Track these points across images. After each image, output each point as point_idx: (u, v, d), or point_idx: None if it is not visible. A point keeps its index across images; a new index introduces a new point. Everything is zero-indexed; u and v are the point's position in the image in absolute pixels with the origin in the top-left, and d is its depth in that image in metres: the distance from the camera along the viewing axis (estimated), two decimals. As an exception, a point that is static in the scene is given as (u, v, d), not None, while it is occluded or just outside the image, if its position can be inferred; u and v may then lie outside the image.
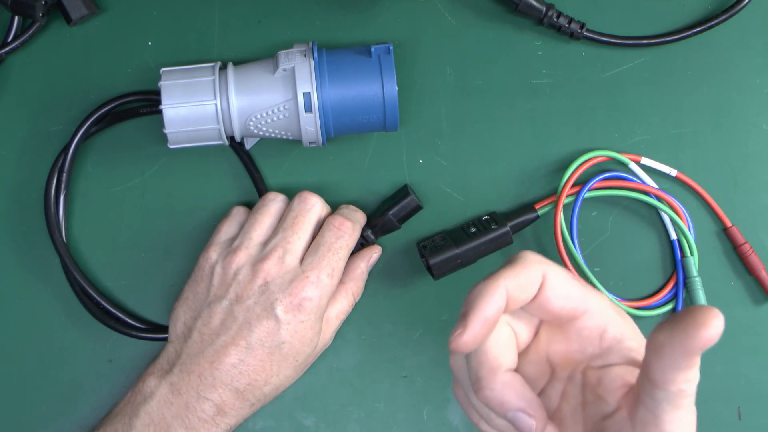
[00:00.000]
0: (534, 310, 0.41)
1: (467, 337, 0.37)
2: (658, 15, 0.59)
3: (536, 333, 0.43)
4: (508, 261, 0.40)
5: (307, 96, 0.51)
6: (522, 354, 0.42)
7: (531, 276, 0.39)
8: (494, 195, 0.58)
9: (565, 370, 0.42)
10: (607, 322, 0.40)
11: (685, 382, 0.35)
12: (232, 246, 0.53)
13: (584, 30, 0.57)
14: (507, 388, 0.39)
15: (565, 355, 0.41)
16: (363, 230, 0.55)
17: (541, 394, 0.42)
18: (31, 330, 0.57)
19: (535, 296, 0.40)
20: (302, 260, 0.52)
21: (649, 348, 0.35)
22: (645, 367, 0.36)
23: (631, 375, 0.39)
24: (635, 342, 0.41)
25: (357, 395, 0.57)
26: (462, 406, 0.44)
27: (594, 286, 0.56)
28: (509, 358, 0.40)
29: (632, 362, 0.40)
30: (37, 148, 0.57)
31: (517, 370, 0.41)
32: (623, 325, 0.41)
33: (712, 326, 0.32)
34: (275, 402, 0.55)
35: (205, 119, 0.52)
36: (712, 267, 0.58)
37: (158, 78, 0.53)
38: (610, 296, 0.57)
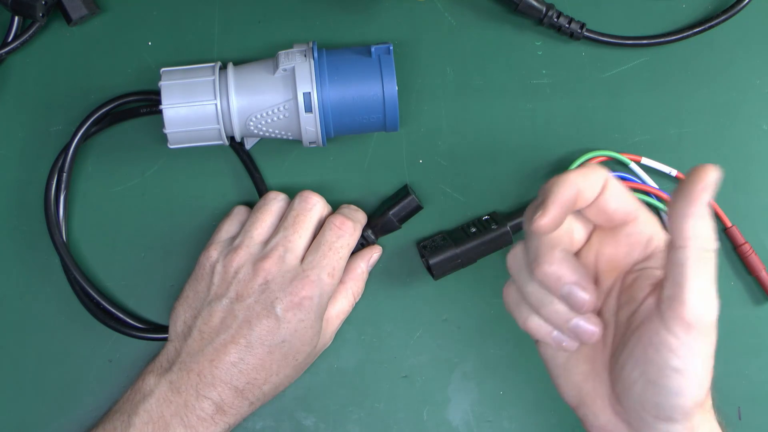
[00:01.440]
0: (592, 212, 0.44)
1: (547, 219, 0.41)
2: (658, 15, 0.59)
3: (589, 238, 0.46)
4: (579, 166, 0.45)
5: (307, 96, 0.52)
6: (576, 256, 0.45)
7: (597, 176, 0.43)
8: (494, 195, 0.58)
9: (609, 277, 0.45)
10: (652, 231, 0.44)
11: (698, 236, 0.38)
12: (233, 245, 0.53)
13: (584, 30, 0.57)
14: (564, 262, 0.42)
15: (611, 259, 0.45)
16: (363, 230, 0.55)
17: None
18: (31, 330, 0.57)
19: (596, 198, 0.43)
20: (303, 259, 0.52)
21: (668, 213, 0.39)
22: (668, 236, 0.39)
23: (662, 274, 0.42)
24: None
25: (357, 395, 0.57)
26: (511, 306, 0.47)
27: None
28: (566, 241, 0.44)
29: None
30: (37, 148, 0.57)
31: None
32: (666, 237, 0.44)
33: (707, 172, 0.38)
34: (275, 402, 0.55)
35: (205, 119, 0.52)
36: (712, 267, 0.58)
37: (158, 78, 0.53)
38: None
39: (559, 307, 0.44)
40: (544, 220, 0.41)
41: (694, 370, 0.40)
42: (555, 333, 0.45)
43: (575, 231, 0.46)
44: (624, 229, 0.45)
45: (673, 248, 0.39)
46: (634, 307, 0.43)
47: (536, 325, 0.45)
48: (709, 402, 0.43)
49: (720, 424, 0.44)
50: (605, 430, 0.44)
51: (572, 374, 0.45)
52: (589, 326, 0.44)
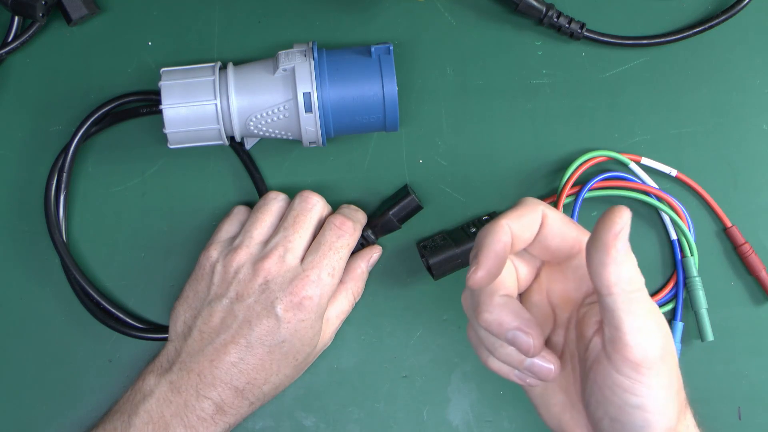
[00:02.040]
0: (535, 249, 0.43)
1: (481, 272, 0.40)
2: (658, 15, 0.59)
3: (537, 276, 0.45)
4: (512, 206, 0.43)
5: (307, 96, 0.51)
6: (526, 296, 0.45)
7: (532, 215, 0.42)
8: (494, 195, 0.58)
9: (564, 310, 0.44)
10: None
11: (620, 280, 0.37)
12: (233, 245, 0.53)
13: (584, 30, 0.57)
14: (503, 308, 0.41)
15: (563, 294, 0.44)
16: (363, 230, 0.55)
17: (546, 343, 0.44)
18: (31, 330, 0.57)
19: (536, 235, 0.42)
20: (303, 259, 0.52)
21: (586, 263, 0.39)
22: (593, 281, 0.39)
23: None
24: None
25: (357, 395, 0.57)
26: (474, 346, 0.46)
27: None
28: (507, 285, 0.43)
29: None
30: (37, 148, 0.57)
31: None
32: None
33: (617, 216, 0.37)
34: (275, 402, 0.55)
35: (205, 119, 0.52)
36: (712, 267, 0.58)
37: (158, 78, 0.53)
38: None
39: (510, 350, 0.43)
40: (478, 275, 0.40)
41: (654, 404, 0.39)
42: (516, 372, 0.44)
43: (521, 270, 0.45)
44: (570, 263, 0.44)
45: (600, 295, 0.38)
46: (585, 344, 0.42)
47: (497, 365, 0.45)
48: (686, 418, 0.43)
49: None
50: None
51: (550, 405, 0.45)
52: (544, 364, 0.42)
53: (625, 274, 0.38)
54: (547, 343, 0.44)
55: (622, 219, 0.37)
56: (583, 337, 0.42)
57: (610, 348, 0.39)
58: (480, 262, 0.40)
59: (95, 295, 0.56)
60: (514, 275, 0.44)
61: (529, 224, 0.42)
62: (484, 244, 0.41)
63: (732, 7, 0.58)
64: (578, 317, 0.43)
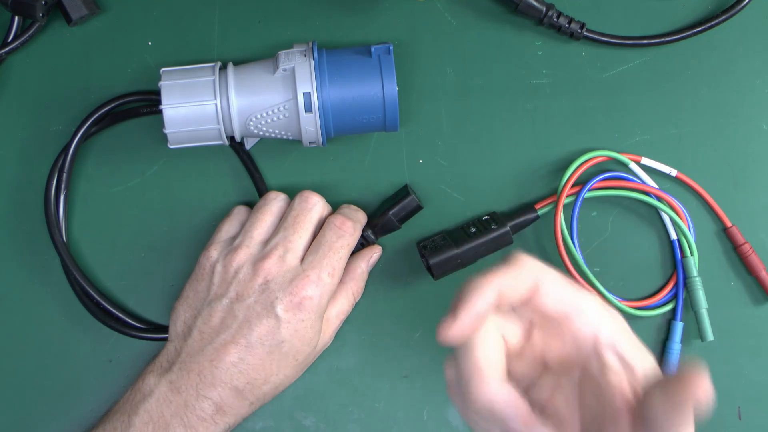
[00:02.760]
0: (526, 311, 0.41)
1: (456, 329, 0.38)
2: (658, 15, 0.59)
3: (530, 334, 0.43)
4: (504, 260, 0.40)
5: (307, 96, 0.51)
6: (516, 354, 0.42)
7: (524, 279, 0.39)
8: (494, 195, 0.58)
9: (562, 369, 0.42)
10: (598, 324, 0.40)
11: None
12: (233, 245, 0.53)
13: (584, 30, 0.57)
14: (496, 398, 0.39)
15: (561, 356, 0.41)
16: (363, 230, 0.55)
17: (533, 385, 0.42)
18: (31, 330, 0.57)
19: (529, 297, 0.40)
20: (303, 259, 0.52)
21: (646, 404, 0.36)
22: (644, 414, 0.36)
23: (628, 386, 0.39)
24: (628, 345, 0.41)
25: (357, 395, 0.57)
26: (458, 408, 0.44)
27: (594, 286, 0.56)
28: (497, 366, 0.40)
29: (627, 366, 0.40)
30: (37, 148, 0.57)
31: (510, 368, 0.41)
32: (614, 329, 0.41)
33: (702, 388, 0.34)
34: (275, 402, 0.55)
35: (205, 119, 0.52)
36: (712, 267, 0.58)
37: (158, 78, 0.53)
38: (610, 296, 0.57)
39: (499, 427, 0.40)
40: (453, 330, 0.37)
41: None
42: None
43: (511, 332, 0.41)
44: (567, 326, 0.40)
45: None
46: (604, 413, 0.39)
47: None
48: None
49: None
50: None
51: None
52: None
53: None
54: (535, 387, 0.42)
55: (706, 403, 0.34)
56: (599, 405, 0.39)
57: None
58: (457, 317, 0.38)
59: (95, 295, 0.56)
60: (502, 349, 0.41)
61: (520, 287, 0.39)
62: (467, 300, 0.38)
63: (732, 7, 0.58)
64: (586, 382, 0.40)
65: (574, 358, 0.41)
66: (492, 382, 0.39)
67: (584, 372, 0.41)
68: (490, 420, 0.39)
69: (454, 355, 0.41)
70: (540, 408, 0.41)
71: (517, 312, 0.42)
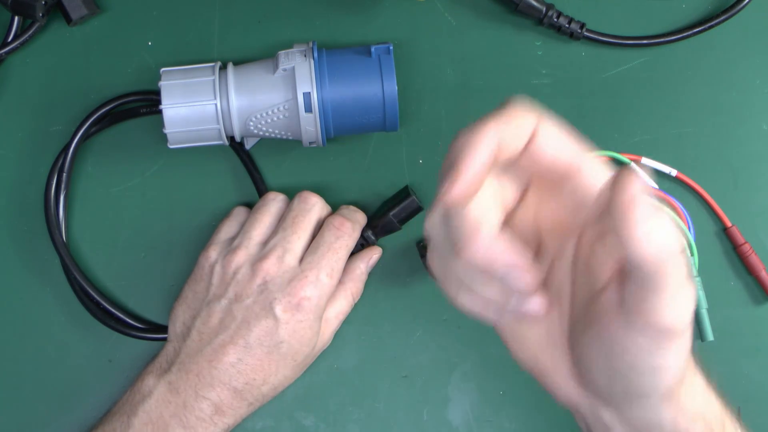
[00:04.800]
0: (524, 163, 0.36)
1: (458, 190, 0.33)
2: (658, 15, 0.59)
3: (524, 195, 0.38)
4: (497, 108, 0.35)
5: (307, 96, 0.51)
6: (506, 219, 0.38)
7: (523, 121, 0.35)
8: (494, 195, 0.58)
9: (555, 239, 0.38)
10: (601, 183, 0.35)
11: (654, 250, 0.31)
12: (232, 245, 0.53)
13: (584, 30, 0.57)
14: (495, 243, 0.34)
15: (555, 220, 0.37)
16: (363, 231, 0.55)
17: None
18: (31, 330, 0.57)
19: (526, 147, 0.35)
20: (302, 260, 0.52)
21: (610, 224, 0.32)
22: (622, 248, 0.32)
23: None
24: None
25: (357, 395, 0.57)
26: (437, 277, 0.38)
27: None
28: (493, 217, 0.36)
29: None
30: (37, 148, 0.57)
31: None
32: None
33: (628, 179, 0.31)
34: (275, 402, 0.55)
35: (205, 119, 0.52)
36: (712, 267, 0.58)
37: (158, 78, 0.53)
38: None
39: (494, 288, 0.36)
40: (456, 190, 0.33)
41: (674, 367, 0.34)
42: (493, 309, 0.37)
43: (505, 189, 0.37)
44: (567, 184, 0.36)
45: (631, 264, 0.32)
46: (594, 286, 0.36)
47: (469, 302, 0.37)
48: (691, 367, 0.38)
49: (708, 380, 0.39)
50: (571, 402, 0.39)
51: (526, 341, 0.39)
52: (532, 305, 0.36)
53: (657, 241, 0.31)
54: None
55: (634, 184, 0.31)
56: (591, 279, 0.36)
57: (636, 311, 0.33)
58: (459, 173, 0.33)
59: (95, 295, 0.56)
60: (499, 202, 0.37)
61: (519, 132, 0.35)
62: (464, 156, 0.33)
63: (732, 7, 0.58)
64: (583, 253, 0.37)
65: (570, 223, 0.37)
66: (489, 233, 0.34)
67: (579, 244, 0.37)
68: (485, 281, 0.36)
69: (440, 213, 0.36)
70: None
71: (510, 172, 0.37)
